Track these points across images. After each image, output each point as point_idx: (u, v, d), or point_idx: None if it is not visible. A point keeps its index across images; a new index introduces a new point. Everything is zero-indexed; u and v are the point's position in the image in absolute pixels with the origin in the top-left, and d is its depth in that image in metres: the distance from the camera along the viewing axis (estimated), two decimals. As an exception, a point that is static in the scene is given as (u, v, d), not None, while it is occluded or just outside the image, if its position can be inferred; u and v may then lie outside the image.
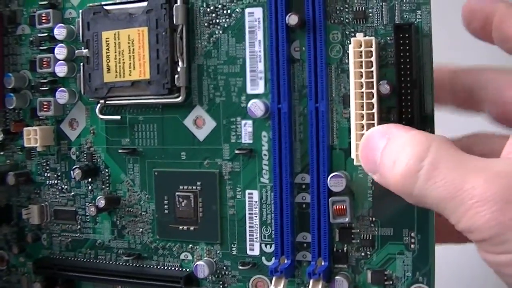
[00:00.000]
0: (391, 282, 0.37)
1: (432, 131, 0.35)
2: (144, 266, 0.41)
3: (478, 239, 0.28)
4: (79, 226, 0.43)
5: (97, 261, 0.43)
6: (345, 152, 0.37)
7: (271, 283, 0.37)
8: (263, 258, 0.39)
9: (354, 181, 0.37)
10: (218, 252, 0.40)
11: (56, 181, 0.44)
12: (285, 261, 0.37)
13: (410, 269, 0.36)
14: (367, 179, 0.36)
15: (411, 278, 0.36)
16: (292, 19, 0.36)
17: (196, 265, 0.39)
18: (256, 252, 0.39)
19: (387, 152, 0.30)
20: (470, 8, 0.35)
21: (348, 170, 0.37)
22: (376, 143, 0.31)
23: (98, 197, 0.41)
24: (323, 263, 0.37)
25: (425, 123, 0.35)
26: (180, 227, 0.40)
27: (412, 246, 0.36)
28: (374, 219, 0.37)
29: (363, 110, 0.35)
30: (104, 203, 0.41)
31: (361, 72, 0.34)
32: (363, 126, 0.35)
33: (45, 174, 0.44)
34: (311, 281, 0.36)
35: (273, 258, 0.38)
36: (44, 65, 0.42)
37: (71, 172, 0.42)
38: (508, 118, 0.38)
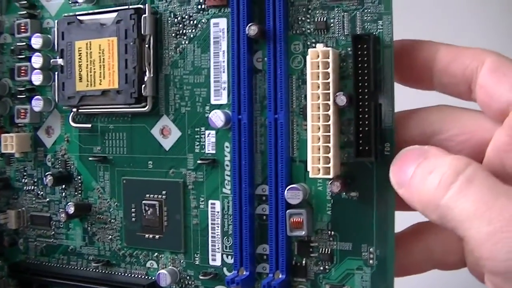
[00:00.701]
0: (349, 298, 0.36)
1: (393, 145, 0.34)
2: (112, 273, 0.42)
3: (493, 270, 0.27)
4: (53, 232, 0.44)
5: (69, 266, 0.43)
6: (305, 165, 0.36)
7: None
8: (224, 268, 0.38)
9: (314, 195, 0.36)
10: (182, 261, 0.40)
11: (32, 187, 0.45)
12: (244, 273, 0.37)
13: (368, 285, 0.35)
14: (327, 193, 0.36)
15: (370, 296, 0.35)
16: (252, 30, 0.35)
17: (159, 273, 0.39)
18: (218, 262, 0.39)
19: (424, 165, 0.29)
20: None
21: (308, 182, 0.36)
22: (414, 157, 0.30)
23: (68, 203, 0.41)
24: (280, 276, 0.36)
25: (383, 136, 0.34)
26: (146, 235, 0.40)
27: (371, 261, 0.35)
28: (333, 233, 0.36)
29: (319, 121, 0.34)
30: (73, 210, 0.41)
31: (318, 83, 0.34)
32: (319, 138, 0.34)
33: (23, 180, 0.45)
34: (268, 294, 0.36)
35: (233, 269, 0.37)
36: (22, 74, 0.43)
37: (44, 178, 0.42)
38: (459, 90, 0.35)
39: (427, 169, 0.29)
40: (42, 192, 0.44)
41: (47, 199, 0.44)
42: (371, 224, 0.35)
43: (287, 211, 0.35)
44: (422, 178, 0.29)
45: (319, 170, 0.34)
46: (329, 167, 0.34)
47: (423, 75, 0.34)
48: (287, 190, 0.35)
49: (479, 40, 0.50)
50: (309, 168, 0.34)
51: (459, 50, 0.33)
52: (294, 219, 0.36)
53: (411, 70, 0.34)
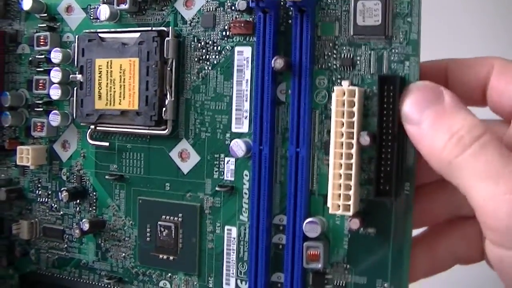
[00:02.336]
0: None
1: (413, 184, 0.34)
2: (125, 290, 0.42)
3: (495, 227, 0.28)
4: (65, 245, 0.43)
5: (81, 280, 0.43)
6: (324, 198, 0.36)
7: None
8: (238, 294, 0.39)
9: (331, 228, 0.36)
10: (195, 283, 0.39)
11: (46, 199, 0.44)
12: (258, 302, 0.37)
13: (381, 320, 0.35)
14: (344, 227, 0.36)
15: (385, 332, 0.35)
16: (278, 63, 0.35)
17: (173, 293, 0.39)
18: (232, 287, 0.38)
19: (448, 107, 0.30)
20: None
21: (326, 216, 0.36)
22: (429, 98, 0.31)
23: (83, 220, 0.41)
24: (295, 306, 0.36)
25: (405, 176, 0.34)
26: (160, 256, 0.40)
27: (386, 298, 0.35)
28: (348, 266, 0.36)
29: (342, 159, 0.33)
30: (88, 227, 0.40)
31: (342, 121, 0.33)
32: (340, 175, 0.34)
33: (37, 191, 0.44)
34: (282, 326, 0.36)
35: (247, 295, 0.37)
36: (40, 87, 0.42)
37: (59, 193, 0.42)
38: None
39: (443, 122, 0.30)
40: (56, 205, 0.43)
41: (61, 212, 0.43)
42: (386, 260, 0.35)
43: (305, 243, 0.35)
44: (436, 129, 0.30)
45: (339, 206, 0.34)
46: (349, 205, 0.34)
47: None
48: (306, 223, 0.35)
49: (479, 44, 0.50)
50: (329, 204, 0.34)
51: (467, 60, 0.35)
52: (311, 252, 0.35)
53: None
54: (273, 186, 0.37)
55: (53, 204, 0.44)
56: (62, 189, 0.42)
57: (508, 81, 0.33)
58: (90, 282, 0.42)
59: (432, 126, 0.30)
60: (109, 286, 0.42)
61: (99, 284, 0.42)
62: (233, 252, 0.38)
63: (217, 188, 0.38)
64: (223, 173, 0.38)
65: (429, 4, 0.36)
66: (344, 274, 0.36)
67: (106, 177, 0.41)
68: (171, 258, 0.40)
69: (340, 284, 0.36)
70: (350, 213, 0.34)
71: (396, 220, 0.34)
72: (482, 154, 0.28)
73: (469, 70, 0.34)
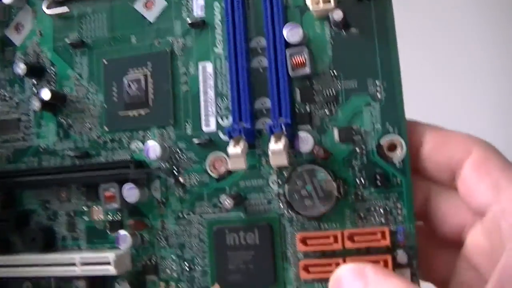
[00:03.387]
0: (360, 137, 0.32)
1: None
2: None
3: None
4: (22, 134, 0.38)
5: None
6: (300, 10, 0.34)
7: (228, 156, 0.32)
8: (219, 132, 0.34)
9: (312, 38, 0.34)
10: (171, 134, 0.35)
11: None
12: (244, 126, 0.33)
13: (378, 120, 0.32)
14: (326, 33, 0.34)
15: (381, 130, 0.32)
16: None
17: (148, 146, 0.34)
18: (212, 127, 0.35)
19: (371, 280, 0.26)
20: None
21: (304, 27, 0.34)
22: (349, 283, 0.27)
23: (42, 90, 0.36)
24: (285, 120, 0.32)
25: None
26: (131, 114, 0.36)
27: (379, 95, 0.32)
28: (335, 72, 0.33)
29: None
30: (50, 95, 0.36)
31: None
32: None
33: (-12, 84, 0.40)
34: (272, 137, 0.32)
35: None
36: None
37: (14, 67, 0.38)
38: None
39: None
40: (9, 95, 0.39)
41: (16, 100, 0.39)
42: (374, 58, 0.33)
43: (287, 50, 0.33)
44: None
45: (318, 2, 0.33)
46: (328, -3, 0.32)
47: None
48: (286, 29, 0.33)
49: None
50: (307, 2, 0.33)
51: (447, 135, 0.31)
52: (296, 58, 0.33)
53: None
54: (246, 11, 0.35)
55: (6, 94, 0.39)
56: (18, 62, 0.37)
57: (480, 179, 0.29)
58: (52, 166, 0.37)
59: None
60: (74, 163, 0.37)
61: (63, 164, 0.37)
62: (211, 89, 0.35)
63: (187, 25, 0.35)
64: (192, 10, 0.36)
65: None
66: (332, 82, 0.33)
67: (67, 42, 0.38)
68: (142, 113, 0.36)
69: (331, 94, 0.33)
70: (332, 3, 0.32)
71: (377, 16, 0.33)
72: None
73: (444, 148, 0.31)
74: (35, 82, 0.38)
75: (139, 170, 0.34)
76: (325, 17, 0.33)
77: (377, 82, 0.32)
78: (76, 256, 0.34)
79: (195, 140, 0.34)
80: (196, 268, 0.34)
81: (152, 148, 0.34)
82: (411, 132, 0.32)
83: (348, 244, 0.31)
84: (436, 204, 0.32)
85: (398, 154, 0.32)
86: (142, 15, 0.37)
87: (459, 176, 0.30)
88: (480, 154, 0.29)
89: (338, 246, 0.31)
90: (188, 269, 0.35)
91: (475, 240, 0.29)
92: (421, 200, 0.32)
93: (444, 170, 0.31)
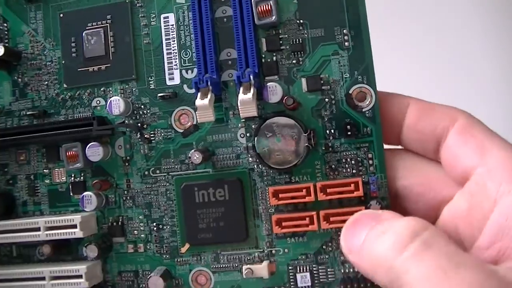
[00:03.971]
0: (328, 87, 0.31)
1: None
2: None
3: None
4: (-26, 96, 0.36)
5: (-4, 128, 0.36)
6: (265, -43, 0.33)
7: (195, 109, 0.31)
8: (184, 86, 0.33)
9: (277, -15, 0.32)
10: (134, 89, 0.34)
11: None
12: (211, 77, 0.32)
13: (347, 69, 0.31)
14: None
15: (350, 79, 0.31)
16: None
17: (110, 101, 0.33)
18: (177, 80, 0.33)
19: (377, 227, 0.26)
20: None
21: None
22: (367, 221, 0.26)
23: (-5, 44, 0.34)
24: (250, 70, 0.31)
25: None
26: (90, 69, 0.34)
27: (346, 44, 0.31)
28: (302, 21, 0.32)
29: None
30: (3, 50, 0.34)
31: None
32: None
33: None
34: (241, 88, 0.31)
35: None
36: None
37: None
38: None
39: (380, 230, 0.26)
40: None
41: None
42: (341, 5, 0.31)
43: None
44: (374, 240, 0.25)
45: None
46: None
47: (392, 129, 0.31)
48: (252, -25, 0.32)
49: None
50: None
51: (431, 106, 0.30)
52: (262, 7, 0.32)
53: (382, 124, 0.31)
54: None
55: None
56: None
57: (465, 142, 0.29)
58: (8, 126, 0.35)
59: (370, 242, 0.26)
60: (31, 121, 0.35)
61: (19, 124, 0.35)
62: (174, 41, 0.33)
63: (147, -28, 0.34)
64: (153, -42, 0.34)
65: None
66: (298, 31, 0.32)
67: (18, -4, 0.35)
68: (103, 67, 0.34)
69: (297, 42, 0.32)
70: None
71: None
72: (426, 253, 0.24)
73: (429, 118, 0.30)
74: (-13, 40, 0.36)
75: (102, 127, 0.33)
76: (290, -36, 0.32)
77: (345, 31, 0.31)
78: (40, 220, 0.33)
79: (159, 94, 0.33)
80: (165, 228, 0.33)
81: (115, 103, 0.33)
82: (394, 103, 0.31)
83: (321, 197, 0.31)
84: (414, 179, 0.31)
85: (368, 103, 0.31)
86: (99, -35, 0.35)
87: (444, 143, 0.29)
88: (465, 121, 0.29)
89: (310, 198, 0.31)
90: (156, 229, 0.33)
91: (453, 207, 0.29)
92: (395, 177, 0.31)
93: (428, 140, 0.30)
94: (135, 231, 0.34)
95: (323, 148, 0.31)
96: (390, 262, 0.24)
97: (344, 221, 0.28)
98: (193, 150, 0.32)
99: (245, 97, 0.30)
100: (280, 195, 0.31)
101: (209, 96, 0.31)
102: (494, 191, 0.26)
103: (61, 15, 0.35)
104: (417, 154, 0.31)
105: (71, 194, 0.34)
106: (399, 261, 0.24)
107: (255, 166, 0.32)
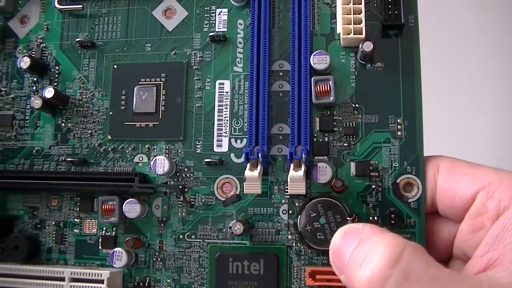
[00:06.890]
0: (377, 174, 0.31)
1: (416, 16, 0.32)
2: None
3: None
4: (14, 133, 0.35)
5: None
6: (326, 38, 0.33)
7: (242, 179, 0.30)
8: (232, 154, 0.32)
9: (337, 67, 0.32)
10: (179, 151, 0.33)
11: (-5, 82, 0.36)
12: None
13: (397, 158, 0.31)
14: (350, 64, 0.32)
15: (399, 169, 0.31)
16: None
17: (155, 159, 0.32)
18: (225, 148, 0.32)
19: (357, 251, 0.26)
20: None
21: (330, 53, 0.32)
22: (348, 241, 0.26)
23: (47, 87, 0.33)
24: (302, 148, 0.31)
25: (408, 6, 0.32)
26: (138, 124, 0.33)
27: (399, 133, 0.31)
28: (357, 105, 0.32)
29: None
30: (53, 94, 0.33)
31: None
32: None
33: (-17, 76, 0.36)
34: (291, 165, 0.30)
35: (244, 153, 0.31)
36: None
37: (19, 61, 0.34)
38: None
39: (360, 259, 0.25)
40: (6, 88, 0.36)
41: (11, 95, 0.36)
42: (397, 95, 0.31)
43: (313, 78, 0.31)
44: (355, 269, 0.25)
45: (350, 30, 0.31)
46: (361, 27, 0.31)
47: None
48: (313, 55, 0.31)
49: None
50: (339, 29, 0.32)
51: None
52: (321, 86, 0.31)
53: None
54: (271, 31, 0.33)
55: (2, 88, 0.36)
56: (23, 55, 0.34)
57: (457, 180, 0.29)
58: (44, 169, 0.34)
59: (353, 266, 0.26)
60: (69, 168, 0.34)
61: (56, 169, 0.34)
62: (226, 108, 0.33)
63: (208, 39, 0.33)
64: (214, 25, 0.34)
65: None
66: (353, 115, 0.32)
67: (76, 39, 0.35)
68: (150, 124, 0.33)
69: (350, 125, 0.32)
70: (363, 35, 0.31)
71: (404, 52, 0.32)
72: (405, 286, 0.24)
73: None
74: (35, 79, 0.35)
75: (145, 185, 0.32)
76: (351, 48, 0.32)
77: (399, 120, 0.31)
78: (66, 270, 0.31)
79: (206, 160, 0.32)
80: (191, 294, 0.32)
81: (160, 162, 0.32)
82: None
83: (356, 283, 0.30)
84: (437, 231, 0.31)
85: (414, 194, 0.31)
86: (161, 23, 0.34)
87: (437, 192, 0.30)
88: (447, 164, 0.30)
89: (346, 284, 0.30)
90: (181, 294, 0.32)
91: (460, 235, 0.29)
92: None
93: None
94: (160, 294, 0.32)
95: (365, 235, 0.31)
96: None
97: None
98: (234, 220, 0.31)
99: (296, 174, 0.29)
100: (317, 276, 0.30)
101: (258, 168, 0.30)
102: (494, 209, 0.27)
103: (115, 66, 0.34)
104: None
105: (100, 247, 0.33)
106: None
107: (294, 244, 0.31)
